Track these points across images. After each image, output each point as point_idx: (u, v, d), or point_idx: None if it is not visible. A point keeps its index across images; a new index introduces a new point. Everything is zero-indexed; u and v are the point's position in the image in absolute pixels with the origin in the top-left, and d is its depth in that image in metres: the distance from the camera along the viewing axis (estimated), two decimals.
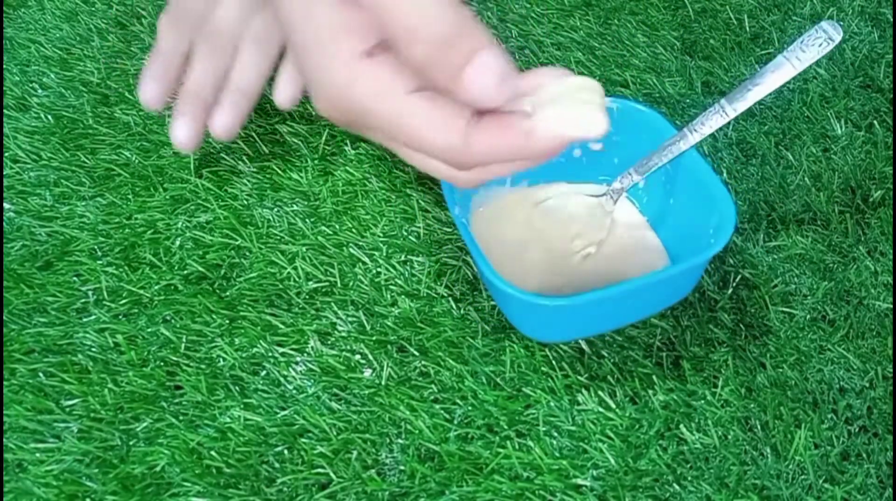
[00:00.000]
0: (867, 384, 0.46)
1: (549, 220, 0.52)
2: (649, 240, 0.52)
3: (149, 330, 0.50)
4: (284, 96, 0.53)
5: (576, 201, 0.52)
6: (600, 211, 0.51)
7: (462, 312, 0.50)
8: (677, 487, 0.43)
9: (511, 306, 0.47)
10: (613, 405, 0.46)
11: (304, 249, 0.53)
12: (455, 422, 0.46)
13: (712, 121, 0.48)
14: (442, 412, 0.46)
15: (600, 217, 0.51)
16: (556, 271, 0.50)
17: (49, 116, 0.62)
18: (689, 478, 0.43)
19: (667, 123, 0.50)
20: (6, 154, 0.60)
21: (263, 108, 0.61)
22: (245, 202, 0.56)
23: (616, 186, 0.51)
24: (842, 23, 0.63)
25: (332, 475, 0.44)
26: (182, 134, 0.52)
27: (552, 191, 0.53)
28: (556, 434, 0.45)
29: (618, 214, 0.52)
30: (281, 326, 0.50)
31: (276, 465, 0.45)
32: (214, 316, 0.50)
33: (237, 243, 0.54)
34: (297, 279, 0.52)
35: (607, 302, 0.44)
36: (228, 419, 0.47)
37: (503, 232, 0.51)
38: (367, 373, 0.48)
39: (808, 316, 0.49)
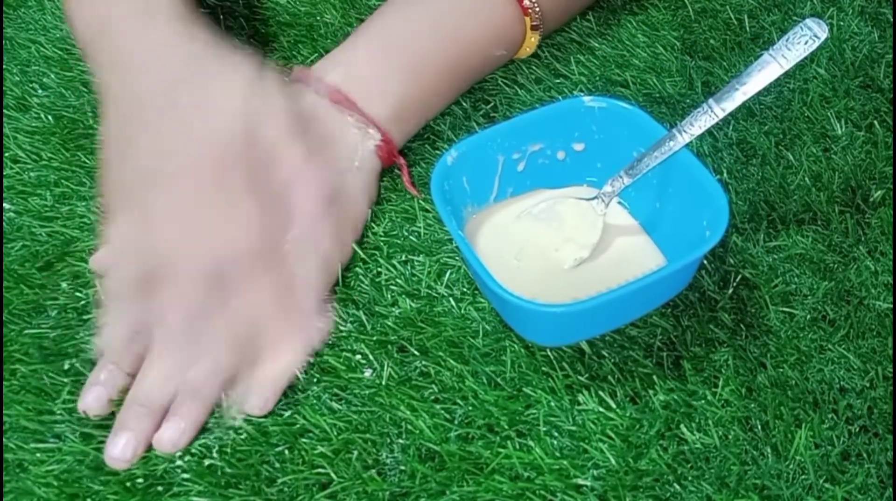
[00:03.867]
0: (867, 384, 0.46)
1: (540, 226, 0.52)
2: (642, 242, 0.52)
3: None
4: (253, 405, 0.47)
5: (566, 205, 0.52)
6: (592, 214, 0.51)
7: (462, 312, 0.50)
8: (678, 487, 0.43)
9: (511, 314, 0.47)
10: (614, 405, 0.46)
11: None
12: (455, 422, 0.46)
13: (701, 121, 0.48)
14: (442, 411, 0.46)
15: (592, 221, 0.51)
16: (550, 276, 0.50)
17: (49, 116, 0.62)
18: (690, 478, 0.43)
19: (653, 122, 0.50)
20: (6, 154, 0.60)
21: None
22: None
23: (607, 189, 0.51)
24: (842, 23, 0.63)
25: (332, 475, 0.44)
26: (118, 452, 0.45)
27: (541, 198, 0.53)
28: (556, 434, 0.45)
29: (609, 217, 0.52)
30: None
31: (277, 465, 0.45)
32: None
33: None
34: None
35: (608, 305, 0.44)
36: (229, 420, 0.47)
37: (495, 242, 0.51)
38: (368, 373, 0.48)
39: (809, 316, 0.49)
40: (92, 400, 0.47)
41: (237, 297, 0.47)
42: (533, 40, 0.60)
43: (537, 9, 0.58)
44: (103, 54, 0.53)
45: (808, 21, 0.47)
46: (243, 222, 0.47)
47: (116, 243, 0.50)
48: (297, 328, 0.48)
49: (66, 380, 0.49)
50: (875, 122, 0.57)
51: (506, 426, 0.45)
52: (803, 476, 0.43)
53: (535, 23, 0.59)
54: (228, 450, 0.46)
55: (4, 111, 0.62)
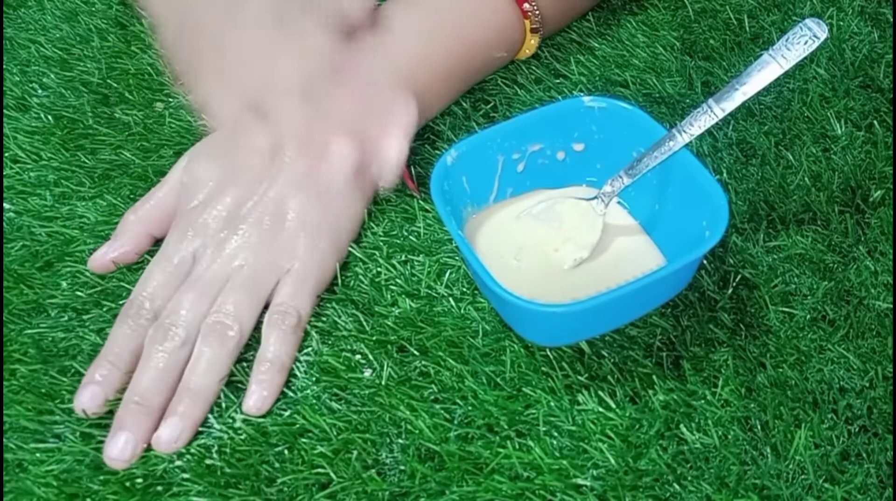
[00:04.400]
0: (867, 384, 0.46)
1: (540, 226, 0.52)
2: (642, 242, 0.52)
3: None
4: (251, 405, 0.47)
5: (566, 205, 0.52)
6: (591, 214, 0.51)
7: (462, 311, 0.50)
8: (677, 487, 0.43)
9: (511, 314, 0.47)
10: (613, 405, 0.46)
11: None
12: (455, 422, 0.46)
13: (700, 121, 0.48)
14: (442, 411, 0.46)
15: (592, 221, 0.51)
16: (549, 276, 0.50)
17: (49, 117, 0.62)
18: (690, 478, 0.43)
19: (653, 122, 0.50)
20: (6, 154, 0.60)
21: None
22: None
23: (606, 189, 0.51)
24: (842, 23, 0.63)
25: (332, 475, 0.44)
26: (117, 452, 0.45)
27: (541, 198, 0.53)
28: (556, 434, 0.45)
29: (609, 217, 0.52)
30: None
31: (277, 465, 0.45)
32: None
33: None
34: None
35: (608, 305, 0.44)
36: (229, 419, 0.47)
37: (494, 242, 0.51)
38: (368, 373, 0.48)
39: (808, 316, 0.49)
40: (88, 399, 0.47)
41: (334, 104, 0.52)
42: (532, 42, 0.60)
43: (537, 12, 0.58)
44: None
45: (808, 21, 0.47)
46: (316, 44, 0.53)
47: (210, 87, 0.55)
48: (394, 114, 0.53)
49: (65, 380, 0.49)
50: (875, 122, 0.57)
51: (505, 426, 0.45)
52: (803, 476, 0.43)
53: (534, 26, 0.59)
54: (228, 450, 0.46)
55: (4, 111, 0.62)
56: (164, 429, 0.46)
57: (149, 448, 0.46)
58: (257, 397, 0.47)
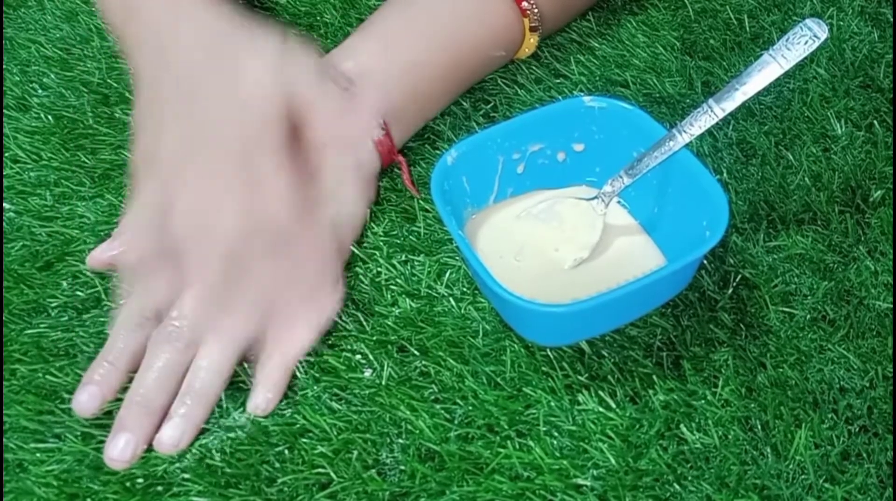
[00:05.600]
0: (867, 384, 0.46)
1: (540, 226, 0.52)
2: (642, 242, 0.52)
3: None
4: (256, 405, 0.47)
5: (566, 205, 0.52)
6: (591, 214, 0.51)
7: (462, 311, 0.50)
8: (678, 487, 0.43)
9: (511, 314, 0.47)
10: (614, 405, 0.46)
11: None
12: (455, 422, 0.46)
13: (701, 121, 0.48)
14: (442, 411, 0.46)
15: (592, 221, 0.51)
16: (550, 276, 0.50)
17: (49, 116, 0.62)
18: (690, 478, 0.43)
19: (653, 122, 0.50)
20: (6, 154, 0.60)
21: None
22: None
23: (607, 189, 0.51)
24: (842, 23, 0.63)
25: (332, 474, 0.44)
26: (118, 452, 0.45)
27: (541, 198, 0.53)
28: (556, 434, 0.45)
29: (609, 217, 0.52)
30: None
31: (277, 465, 0.45)
32: None
33: None
34: None
35: (608, 305, 0.44)
36: (230, 419, 0.47)
37: (495, 241, 0.51)
38: (368, 373, 0.48)
39: (809, 316, 0.49)
40: (86, 400, 0.47)
41: (253, 277, 0.48)
42: (532, 41, 0.60)
43: (536, 10, 0.58)
44: (133, 34, 0.54)
45: (808, 21, 0.47)
46: (269, 199, 0.48)
47: (139, 216, 0.50)
48: (311, 306, 0.49)
49: (65, 380, 0.49)
50: (875, 122, 0.57)
51: (506, 426, 0.45)
52: (803, 476, 0.43)
53: (533, 24, 0.59)
54: (228, 450, 0.46)
55: (4, 111, 0.62)
56: (166, 430, 0.46)
57: (149, 449, 0.46)
58: (262, 397, 0.47)
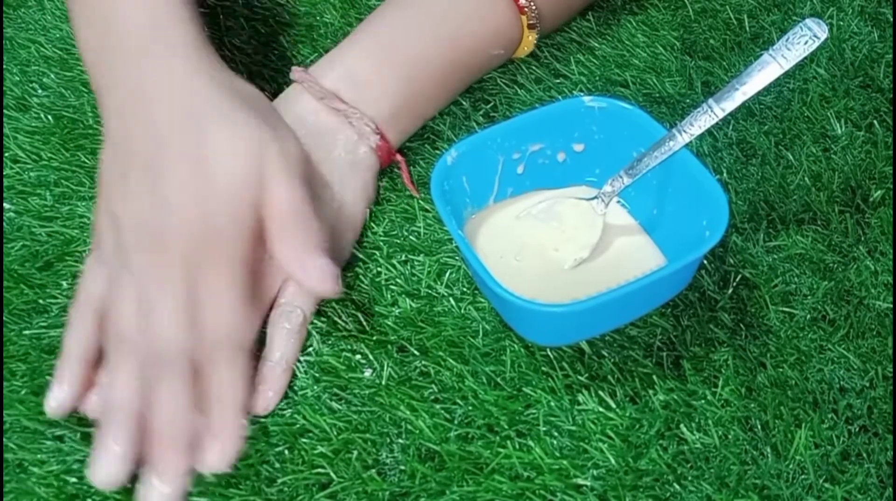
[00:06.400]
0: (867, 384, 0.46)
1: (540, 226, 0.52)
2: (642, 242, 0.52)
3: None
4: (257, 404, 0.47)
5: (566, 205, 0.52)
6: (591, 214, 0.51)
7: (462, 311, 0.50)
8: (678, 487, 0.43)
9: (511, 313, 0.47)
10: (614, 405, 0.46)
11: None
12: (455, 422, 0.46)
13: (701, 121, 0.48)
14: (442, 411, 0.46)
15: (592, 220, 0.51)
16: (550, 276, 0.50)
17: (49, 116, 0.62)
18: (690, 478, 0.43)
19: (653, 121, 0.50)
20: (6, 154, 0.60)
21: None
22: None
23: (607, 189, 0.51)
24: (842, 23, 0.63)
25: (332, 475, 0.44)
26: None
27: (541, 198, 0.53)
28: (556, 434, 0.45)
29: (609, 217, 0.52)
30: None
31: (277, 465, 0.45)
32: None
33: None
34: None
35: (608, 305, 0.44)
36: None
37: (495, 241, 0.51)
38: (368, 373, 0.48)
39: (809, 316, 0.49)
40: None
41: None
42: (530, 39, 0.60)
43: (534, 7, 0.58)
44: (105, 77, 0.49)
45: (808, 21, 0.47)
46: (209, 317, 0.45)
47: (84, 295, 0.48)
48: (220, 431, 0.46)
49: None
50: (875, 122, 0.57)
51: (506, 426, 0.45)
52: (803, 476, 0.43)
53: (531, 22, 0.58)
54: None
55: (4, 111, 0.62)
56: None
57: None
58: (264, 396, 0.47)
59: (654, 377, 0.47)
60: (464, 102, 0.60)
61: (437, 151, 0.58)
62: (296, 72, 0.55)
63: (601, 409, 0.46)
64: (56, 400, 0.46)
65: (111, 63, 0.49)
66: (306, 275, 0.46)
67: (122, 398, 0.45)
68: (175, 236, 0.44)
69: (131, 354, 0.45)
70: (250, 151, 0.46)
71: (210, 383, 0.45)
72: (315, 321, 0.50)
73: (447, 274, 0.51)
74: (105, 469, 0.44)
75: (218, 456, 0.45)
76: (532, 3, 0.58)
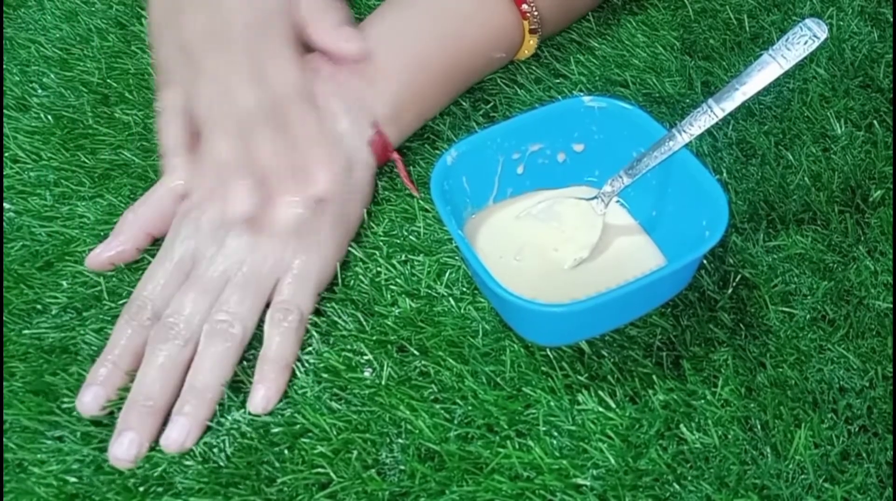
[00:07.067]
0: (867, 384, 0.46)
1: (540, 226, 0.52)
2: (642, 242, 0.52)
3: None
4: (256, 403, 0.47)
5: (566, 205, 0.52)
6: (591, 214, 0.51)
7: (462, 311, 0.50)
8: (677, 487, 0.43)
9: (511, 313, 0.47)
10: (613, 405, 0.46)
11: None
12: (455, 422, 0.46)
13: (700, 121, 0.48)
14: (442, 411, 0.46)
15: (592, 220, 0.51)
16: (550, 276, 0.50)
17: (49, 116, 0.62)
18: (690, 478, 0.43)
19: (652, 121, 0.50)
20: (6, 154, 0.60)
21: None
22: None
23: (606, 189, 0.51)
24: (842, 23, 0.63)
25: (332, 474, 0.44)
26: (123, 452, 0.45)
27: (540, 198, 0.53)
28: (556, 434, 0.45)
29: (609, 217, 0.52)
30: None
31: (277, 465, 0.45)
32: None
33: None
34: None
35: (608, 305, 0.44)
36: (230, 419, 0.47)
37: (494, 241, 0.51)
38: (368, 373, 0.48)
39: (808, 316, 0.49)
40: (90, 400, 0.47)
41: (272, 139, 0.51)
42: (532, 43, 0.60)
43: (536, 13, 0.58)
44: None
45: (808, 21, 0.47)
46: (275, 75, 0.51)
47: (169, 107, 0.53)
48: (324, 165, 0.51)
49: (65, 380, 0.49)
50: (875, 122, 0.57)
51: (505, 426, 0.45)
52: (803, 476, 0.43)
53: (533, 27, 0.59)
54: (229, 450, 0.46)
55: (4, 111, 0.62)
56: (172, 430, 0.46)
57: (151, 448, 0.46)
58: (262, 396, 0.47)
59: (654, 377, 0.47)
60: (464, 102, 0.60)
61: (437, 151, 0.58)
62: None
63: (601, 409, 0.46)
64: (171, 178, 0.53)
65: None
66: (338, 46, 0.54)
67: (230, 151, 0.50)
68: (234, 32, 0.51)
69: (222, 128, 0.50)
70: None
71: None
72: (315, 321, 0.50)
73: (447, 274, 0.51)
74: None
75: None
76: (534, 9, 0.58)
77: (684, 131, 0.48)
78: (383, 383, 0.47)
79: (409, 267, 0.52)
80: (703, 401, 0.46)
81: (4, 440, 0.47)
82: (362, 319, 0.50)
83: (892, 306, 0.49)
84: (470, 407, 0.46)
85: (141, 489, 0.45)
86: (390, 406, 0.47)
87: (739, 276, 0.50)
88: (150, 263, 0.51)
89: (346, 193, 0.52)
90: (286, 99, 0.51)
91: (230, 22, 0.51)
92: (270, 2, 0.52)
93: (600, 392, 0.46)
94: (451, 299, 0.50)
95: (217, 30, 0.51)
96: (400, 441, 0.45)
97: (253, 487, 0.44)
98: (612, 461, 0.44)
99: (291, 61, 0.52)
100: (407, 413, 0.46)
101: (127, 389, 0.47)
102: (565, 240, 0.52)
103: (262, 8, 0.52)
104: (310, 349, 0.49)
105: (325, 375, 0.48)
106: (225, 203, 0.49)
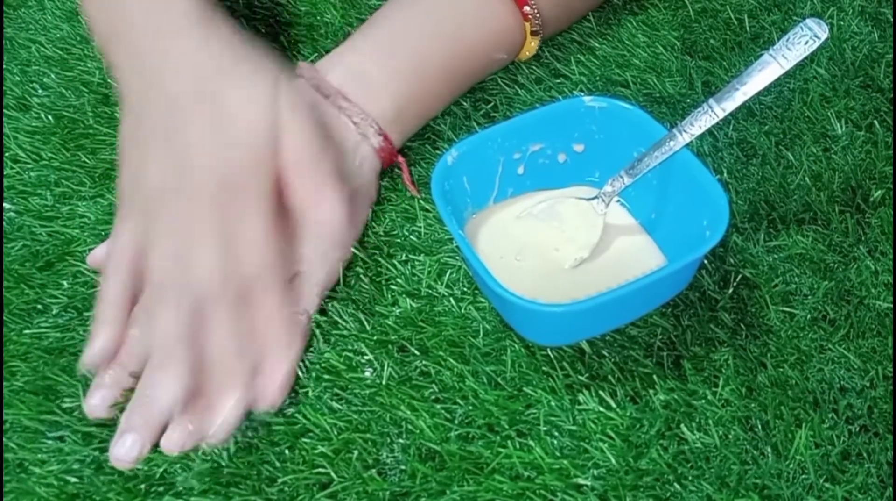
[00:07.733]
0: (868, 384, 0.46)
1: (541, 226, 0.52)
2: (643, 242, 0.52)
3: None
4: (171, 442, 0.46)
5: (566, 205, 0.52)
6: (592, 214, 0.51)
7: (463, 311, 0.50)
8: (678, 486, 0.43)
9: (511, 313, 0.47)
10: (614, 405, 0.46)
11: None
12: (456, 422, 0.46)
13: (701, 121, 0.48)
14: (443, 411, 0.46)
15: (592, 220, 0.51)
16: (550, 276, 0.50)
17: (49, 116, 0.62)
18: (690, 478, 0.43)
19: (653, 122, 0.50)
20: (6, 154, 0.60)
21: None
22: None
23: (607, 189, 0.51)
24: (842, 23, 0.63)
25: (332, 474, 0.44)
26: (124, 452, 0.45)
27: (541, 198, 0.53)
28: (556, 434, 0.45)
29: (609, 217, 0.52)
30: None
31: (278, 464, 0.45)
32: None
33: None
34: None
35: (608, 305, 0.44)
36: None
37: (495, 241, 0.51)
38: (368, 373, 0.48)
39: (809, 316, 0.49)
40: (98, 403, 0.47)
41: (219, 324, 0.47)
42: (533, 44, 0.60)
43: (537, 14, 0.58)
44: (119, 55, 0.52)
45: (809, 21, 0.47)
46: (242, 247, 0.47)
47: (117, 251, 0.49)
48: (281, 352, 0.48)
49: (66, 380, 0.49)
50: (875, 122, 0.57)
51: (506, 426, 0.45)
52: (803, 476, 0.43)
53: (534, 28, 0.59)
54: (229, 449, 0.46)
55: (4, 111, 0.62)
56: (174, 433, 0.46)
57: (152, 449, 0.46)
58: (270, 391, 0.47)
59: (655, 376, 0.47)
60: (464, 102, 0.60)
61: (438, 151, 0.58)
62: (303, 67, 0.55)
63: (601, 409, 0.46)
64: (99, 346, 0.47)
65: (122, 40, 0.51)
66: (318, 210, 0.49)
67: (176, 334, 0.46)
68: (202, 186, 0.47)
69: (175, 298, 0.46)
70: (263, 100, 0.49)
71: (255, 318, 0.47)
72: (316, 321, 0.50)
73: (447, 274, 0.51)
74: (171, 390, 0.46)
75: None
76: (536, 11, 0.58)
77: (685, 131, 0.48)
78: (384, 383, 0.47)
79: (409, 267, 0.52)
80: (703, 401, 0.46)
81: (5, 440, 0.47)
82: (363, 319, 0.50)
83: (892, 306, 0.49)
84: (471, 407, 0.46)
85: (142, 488, 0.45)
86: (391, 406, 0.46)
87: (740, 276, 0.50)
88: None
89: (354, 195, 0.52)
90: (250, 279, 0.47)
91: (197, 179, 0.47)
92: (246, 157, 0.47)
93: (601, 392, 0.46)
94: (451, 299, 0.50)
95: (182, 186, 0.47)
96: (401, 440, 0.45)
97: (254, 487, 0.44)
98: (613, 461, 0.44)
99: (263, 233, 0.47)
100: (408, 413, 0.46)
101: (131, 389, 0.47)
102: (566, 240, 0.52)
103: (235, 165, 0.47)
104: (311, 348, 0.49)
105: (325, 375, 0.48)
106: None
